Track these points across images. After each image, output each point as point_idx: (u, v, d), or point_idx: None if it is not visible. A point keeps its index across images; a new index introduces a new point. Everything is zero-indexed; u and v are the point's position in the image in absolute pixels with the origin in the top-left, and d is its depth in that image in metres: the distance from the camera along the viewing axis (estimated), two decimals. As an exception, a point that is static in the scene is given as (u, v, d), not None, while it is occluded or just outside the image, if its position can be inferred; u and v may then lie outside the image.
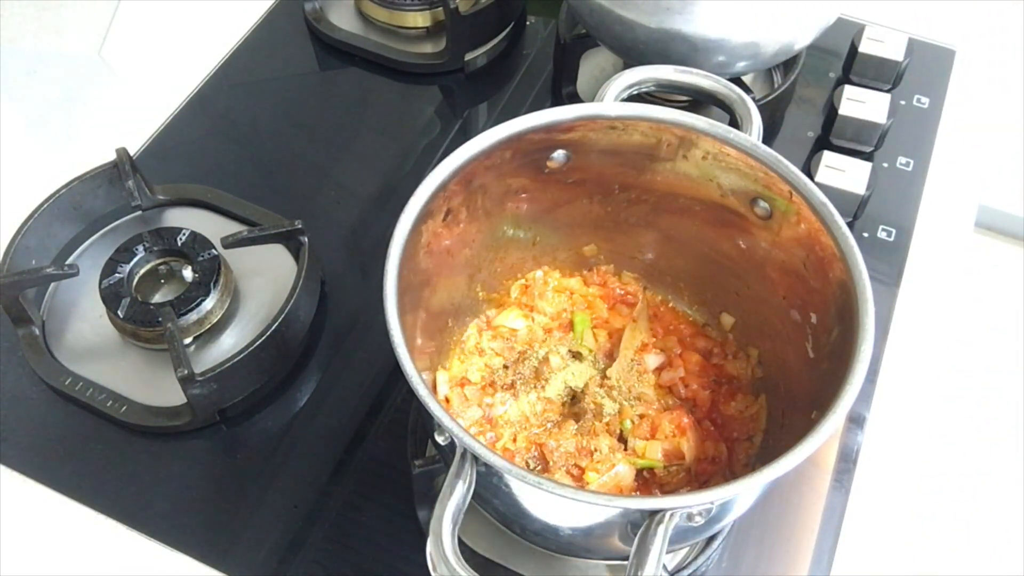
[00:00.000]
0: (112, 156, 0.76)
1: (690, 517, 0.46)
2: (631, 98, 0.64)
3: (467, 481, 0.46)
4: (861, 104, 0.84)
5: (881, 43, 0.89)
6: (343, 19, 0.98)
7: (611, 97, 0.63)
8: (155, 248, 0.74)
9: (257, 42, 0.97)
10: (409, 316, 0.56)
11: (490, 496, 0.51)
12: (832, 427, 0.47)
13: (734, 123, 0.63)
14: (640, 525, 0.45)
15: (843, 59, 0.91)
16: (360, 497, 0.67)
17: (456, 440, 0.47)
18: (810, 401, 0.54)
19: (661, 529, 0.44)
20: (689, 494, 0.46)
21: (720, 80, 0.64)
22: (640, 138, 0.61)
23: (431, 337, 0.64)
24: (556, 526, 0.52)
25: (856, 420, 0.70)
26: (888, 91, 0.87)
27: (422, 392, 0.48)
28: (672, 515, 0.45)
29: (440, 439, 0.50)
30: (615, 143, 0.62)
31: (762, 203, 0.60)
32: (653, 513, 0.45)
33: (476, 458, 0.46)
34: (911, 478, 0.68)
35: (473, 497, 0.47)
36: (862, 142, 0.85)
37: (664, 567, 0.60)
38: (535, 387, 0.65)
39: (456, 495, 0.46)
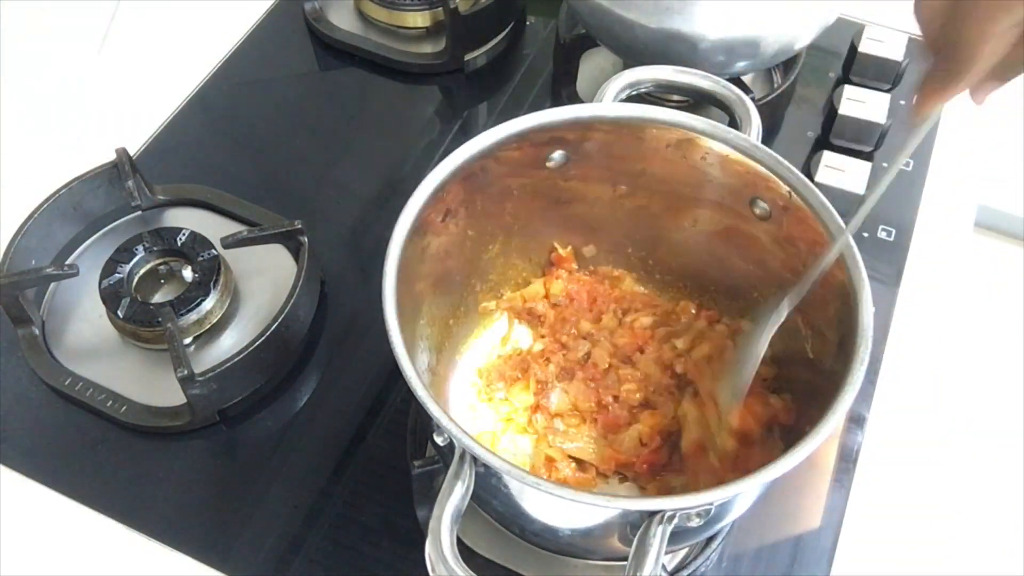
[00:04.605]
0: (112, 156, 0.76)
1: (689, 518, 0.46)
2: (630, 98, 0.64)
3: (466, 482, 0.46)
4: (861, 104, 0.84)
5: (881, 43, 0.89)
6: (343, 19, 0.98)
7: (610, 97, 0.63)
8: (155, 248, 0.74)
9: (257, 42, 0.97)
10: (408, 317, 0.56)
11: (489, 497, 0.51)
12: (831, 427, 0.47)
13: (733, 123, 0.63)
14: (639, 526, 0.45)
15: (843, 59, 0.91)
16: (360, 497, 0.66)
17: (455, 441, 0.47)
18: (809, 401, 0.54)
19: (660, 530, 0.44)
20: (688, 495, 0.46)
21: (719, 81, 0.64)
22: (639, 138, 0.61)
23: (431, 338, 0.64)
24: (555, 527, 0.52)
25: (856, 420, 0.70)
26: (888, 91, 0.87)
27: (421, 393, 0.48)
28: (670, 516, 0.45)
29: (439, 440, 0.50)
30: (614, 143, 0.62)
31: (761, 203, 0.60)
32: (652, 514, 0.45)
33: (475, 459, 0.46)
34: (911, 478, 0.68)
35: (472, 498, 0.47)
36: (862, 142, 0.85)
37: (664, 567, 0.60)
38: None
39: (455, 496, 0.46)
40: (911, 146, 0.50)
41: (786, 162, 0.57)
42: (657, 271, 0.71)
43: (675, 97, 0.84)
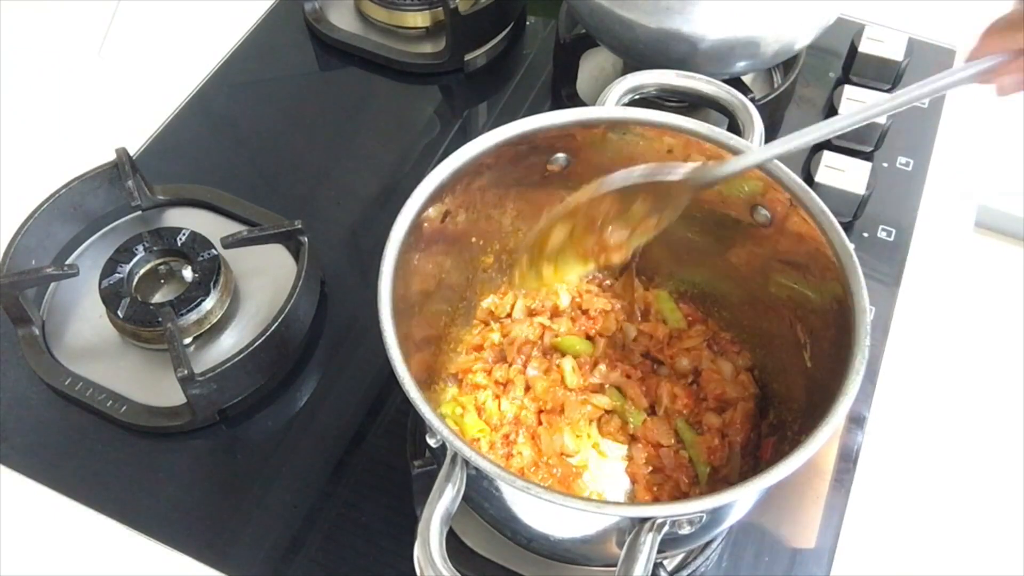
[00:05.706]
0: (112, 156, 0.77)
1: (680, 525, 0.46)
2: (632, 102, 0.64)
3: (457, 484, 0.46)
4: (861, 104, 0.84)
5: (881, 43, 0.89)
6: (343, 19, 0.98)
7: (613, 101, 0.63)
8: (155, 248, 0.74)
9: (257, 42, 0.97)
10: (405, 319, 0.56)
11: (481, 500, 0.51)
12: (825, 437, 0.46)
13: (734, 128, 0.63)
14: (630, 532, 0.45)
15: (843, 59, 0.91)
16: (360, 497, 0.67)
17: (446, 443, 0.47)
18: (806, 409, 0.54)
19: (649, 537, 0.44)
20: (679, 503, 0.45)
21: (722, 85, 0.64)
22: (640, 143, 0.61)
23: (429, 340, 0.64)
24: (547, 533, 0.52)
25: (856, 420, 0.70)
26: (888, 91, 0.87)
27: (414, 394, 0.48)
28: (660, 523, 0.45)
29: (432, 442, 0.50)
30: (615, 147, 0.62)
31: (762, 210, 0.60)
32: (642, 520, 0.45)
33: (466, 461, 0.46)
34: (911, 478, 0.68)
35: (466, 500, 0.47)
36: (862, 142, 0.85)
37: (664, 567, 0.61)
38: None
39: (445, 498, 0.46)
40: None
41: (786, 168, 0.57)
42: (655, 275, 0.71)
43: (672, 99, 0.83)
